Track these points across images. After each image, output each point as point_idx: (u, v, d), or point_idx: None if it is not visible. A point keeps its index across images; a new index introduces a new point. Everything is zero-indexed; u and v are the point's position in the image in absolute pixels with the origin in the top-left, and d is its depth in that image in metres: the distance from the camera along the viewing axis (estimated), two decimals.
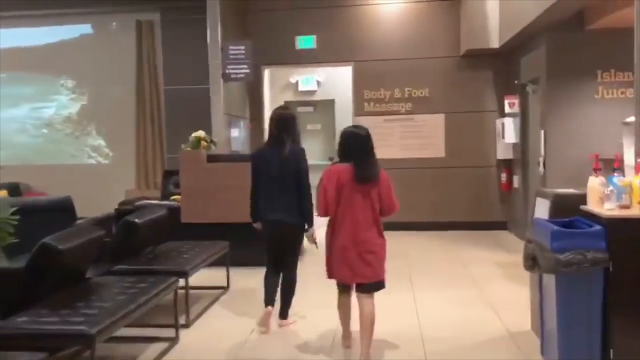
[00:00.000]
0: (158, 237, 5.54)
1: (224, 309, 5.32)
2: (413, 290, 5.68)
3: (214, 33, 7.91)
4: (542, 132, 6.97)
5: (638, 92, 4.14)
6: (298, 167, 4.37)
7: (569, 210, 3.77)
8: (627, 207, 3.42)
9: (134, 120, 10.18)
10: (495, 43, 8.40)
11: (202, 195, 6.82)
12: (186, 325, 4.70)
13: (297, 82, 10.79)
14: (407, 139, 9.25)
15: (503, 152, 8.72)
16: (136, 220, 4.90)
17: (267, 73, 10.09)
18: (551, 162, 6.86)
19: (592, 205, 3.59)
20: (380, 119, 9.24)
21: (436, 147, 9.22)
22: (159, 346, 4.25)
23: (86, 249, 3.95)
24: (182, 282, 4.63)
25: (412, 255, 7.35)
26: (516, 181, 8.41)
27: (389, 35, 9.24)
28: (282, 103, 10.80)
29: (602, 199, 3.51)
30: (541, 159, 7.00)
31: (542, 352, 3.85)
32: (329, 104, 10.84)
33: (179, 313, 4.51)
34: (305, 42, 9.28)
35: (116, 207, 7.76)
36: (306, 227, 4.46)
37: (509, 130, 8.29)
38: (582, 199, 3.74)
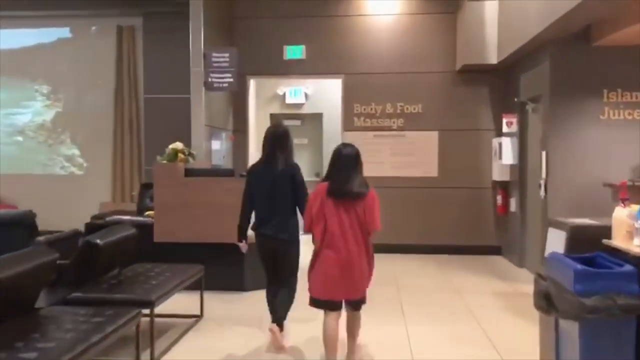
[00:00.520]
0: (125, 259, 5.01)
1: (197, 341, 4.77)
2: (406, 324, 5.17)
3: (197, 38, 7.43)
4: (544, 153, 6.55)
5: None
6: (294, 182, 4.38)
7: (588, 244, 3.31)
8: None
9: (111, 130, 9.68)
10: (493, 59, 8.00)
11: (178, 213, 6.29)
12: None
13: (284, 94, 10.31)
14: (398, 156, 8.80)
15: (499, 173, 8.30)
16: (98, 241, 4.37)
17: (252, 84, 9.61)
18: (553, 186, 6.44)
19: (618, 240, 3.14)
20: (370, 134, 8.79)
21: (429, 166, 8.78)
22: None
23: (33, 276, 3.40)
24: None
25: (403, 282, 6.85)
26: (513, 204, 7.98)
27: (381, 48, 8.82)
28: (267, 115, 10.38)
29: (630, 233, 3.05)
30: (542, 182, 6.57)
31: None
32: (317, 118, 10.37)
33: (142, 347, 3.97)
34: (294, 52, 8.82)
35: (88, 220, 7.28)
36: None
37: (507, 151, 7.87)
38: (604, 231, 3.28)
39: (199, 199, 6.26)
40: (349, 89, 8.88)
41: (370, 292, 4.03)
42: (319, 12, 8.86)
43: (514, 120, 7.86)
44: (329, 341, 3.80)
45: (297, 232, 4.47)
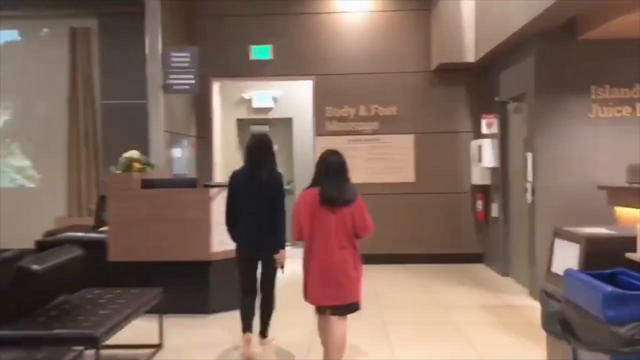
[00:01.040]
0: (70, 285, 4.38)
1: None
2: (391, 347, 4.65)
3: (154, 36, 6.85)
4: (529, 155, 6.15)
5: None
6: (275, 191, 4.43)
7: (607, 258, 2.84)
8: None
9: (65, 139, 8.98)
10: (470, 57, 7.61)
11: (135, 228, 5.68)
12: None
13: (251, 97, 9.75)
14: (373, 161, 8.33)
15: (479, 177, 7.89)
16: (34, 266, 3.76)
17: (217, 87, 9.02)
18: (541, 190, 6.03)
19: None
20: (343, 139, 8.30)
21: (405, 171, 8.33)
22: None
23: None
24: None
25: (383, 297, 6.35)
26: (495, 210, 7.56)
27: (353, 47, 8.35)
28: (234, 121, 9.82)
29: None
30: (529, 186, 6.16)
31: None
32: (286, 123, 9.84)
33: None
34: (260, 52, 8.29)
35: (40, 238, 6.63)
36: (277, 250, 4.41)
37: (487, 153, 7.47)
38: (625, 243, 2.82)
39: (158, 213, 5.67)
40: (320, 91, 8.38)
41: None
42: (287, 9, 8.35)
43: (494, 120, 7.46)
44: (323, 342, 3.85)
45: (283, 238, 4.46)
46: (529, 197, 6.18)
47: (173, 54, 6.79)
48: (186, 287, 5.69)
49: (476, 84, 8.17)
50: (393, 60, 8.30)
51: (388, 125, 8.32)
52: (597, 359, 2.53)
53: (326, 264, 3.71)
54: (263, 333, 4.64)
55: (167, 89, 6.85)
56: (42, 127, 9.10)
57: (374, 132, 8.34)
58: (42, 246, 6.02)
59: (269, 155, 4.51)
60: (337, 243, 3.72)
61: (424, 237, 8.26)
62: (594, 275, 2.66)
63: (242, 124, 10.04)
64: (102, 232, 6.16)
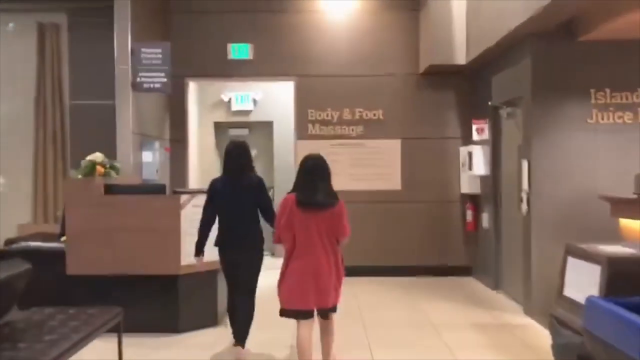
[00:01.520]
0: (14, 304, 3.86)
1: None
2: None
3: (123, 30, 6.38)
4: (525, 163, 5.75)
5: None
6: (260, 194, 4.47)
7: (633, 282, 2.41)
8: None
9: (31, 141, 8.39)
10: (461, 59, 7.22)
11: (96, 239, 5.17)
12: None
13: (229, 99, 9.27)
14: (358, 167, 7.89)
15: (468, 186, 7.49)
16: None
17: (193, 87, 8.54)
18: (537, 200, 5.63)
19: None
20: (326, 143, 7.84)
21: (391, 178, 7.90)
22: None
23: None
24: None
25: (367, 315, 5.89)
26: (485, 220, 7.16)
27: (338, 48, 7.92)
28: (211, 124, 9.34)
29: None
30: (524, 195, 5.76)
31: None
32: (267, 127, 9.38)
33: None
34: (239, 51, 7.82)
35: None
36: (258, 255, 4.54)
37: (478, 160, 7.07)
38: None
39: (122, 222, 5.16)
40: (302, 93, 7.93)
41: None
42: (268, 6, 7.91)
43: (485, 126, 7.08)
44: (304, 351, 3.75)
45: (261, 244, 4.53)
46: (524, 207, 5.78)
47: (143, 49, 6.30)
48: (153, 304, 5.20)
49: (466, 87, 7.79)
50: (379, 62, 7.89)
51: (373, 130, 7.90)
52: None
53: (312, 268, 3.71)
54: (240, 342, 4.47)
55: (136, 87, 6.36)
56: (6, 128, 8.50)
57: (359, 137, 7.91)
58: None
59: (247, 161, 4.53)
60: (322, 247, 3.73)
61: (410, 248, 7.84)
62: (621, 304, 2.24)
63: (220, 127, 9.55)
64: (63, 242, 5.64)
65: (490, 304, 6.30)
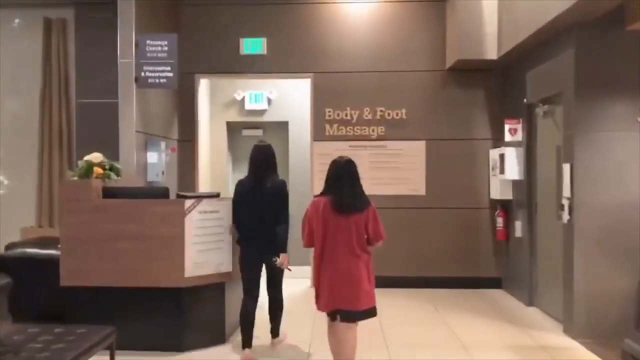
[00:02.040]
0: None
1: None
2: None
3: (127, 21, 5.93)
4: (567, 166, 5.18)
5: None
6: (278, 197, 4.58)
7: None
8: None
9: (37, 141, 8.03)
10: (492, 53, 6.66)
11: (93, 247, 4.71)
12: None
13: (243, 98, 8.79)
14: (378, 171, 7.36)
15: (499, 191, 6.92)
16: None
17: (204, 85, 8.08)
18: (580, 208, 5.06)
19: None
20: (344, 145, 7.33)
21: (414, 182, 7.35)
22: None
23: None
24: None
25: (390, 331, 5.36)
26: (518, 228, 6.58)
27: (358, 42, 7.40)
28: (223, 123, 8.87)
29: None
30: (566, 203, 5.18)
31: None
32: (282, 127, 8.88)
33: None
34: (253, 46, 7.34)
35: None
36: (277, 255, 4.55)
37: (511, 164, 6.50)
38: None
39: (121, 229, 4.69)
40: (320, 90, 7.42)
41: None
42: None
43: (519, 126, 6.50)
44: (333, 351, 3.87)
45: (286, 240, 4.57)
46: (565, 215, 5.21)
47: (148, 42, 5.83)
48: (154, 319, 4.73)
49: (497, 84, 7.23)
50: (402, 57, 7.35)
51: (395, 131, 7.35)
52: None
53: (341, 271, 3.72)
54: (273, 333, 4.88)
55: (141, 82, 5.89)
56: (11, 127, 8.13)
57: (380, 138, 7.37)
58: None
59: (271, 165, 4.66)
60: (352, 251, 3.73)
61: (435, 258, 7.28)
62: None
63: (232, 127, 9.07)
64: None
65: (525, 321, 5.73)
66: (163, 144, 6.40)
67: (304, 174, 7.59)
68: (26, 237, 7.05)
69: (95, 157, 5.14)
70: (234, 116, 8.93)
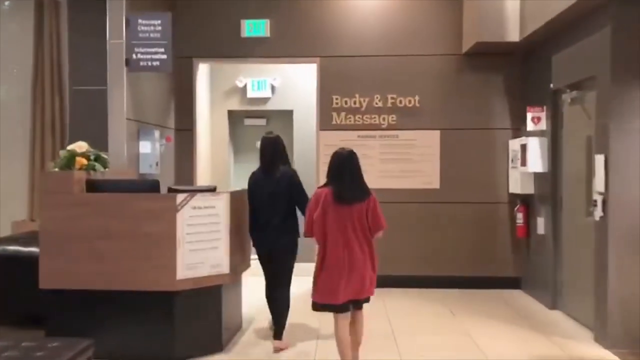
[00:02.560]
0: None
1: None
2: None
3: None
4: (600, 158, 4.67)
5: None
6: (291, 186, 4.58)
7: None
8: None
9: (28, 131, 7.61)
10: (513, 35, 6.13)
11: (75, 246, 4.25)
12: None
13: (245, 85, 8.30)
14: (389, 162, 6.87)
15: (520, 185, 6.42)
16: None
17: (204, 71, 7.60)
18: (616, 203, 4.56)
19: None
20: (353, 134, 6.85)
21: (428, 175, 6.86)
22: None
23: None
24: None
25: (402, 338, 4.90)
26: (540, 225, 6.09)
27: (367, 23, 6.89)
28: (224, 111, 8.42)
29: None
30: (599, 198, 4.68)
31: None
32: (286, 116, 8.40)
33: None
34: (255, 28, 6.85)
35: None
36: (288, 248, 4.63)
37: (533, 155, 5.99)
38: None
39: (106, 226, 4.23)
40: (326, 76, 6.92)
41: None
42: None
43: (543, 114, 6.00)
44: (342, 343, 3.83)
45: (296, 237, 4.60)
46: (597, 212, 4.70)
47: (140, 21, 5.34)
48: (143, 326, 4.28)
49: (519, 69, 6.71)
50: (416, 40, 6.84)
51: (408, 119, 6.85)
52: None
53: (348, 261, 3.74)
54: (277, 334, 4.64)
55: (132, 65, 5.42)
56: (2, 116, 7.74)
57: (391, 127, 6.87)
58: None
59: (280, 154, 4.68)
60: (357, 240, 3.77)
61: (449, 256, 6.80)
62: None
63: (234, 116, 8.60)
64: None
65: (550, 328, 5.24)
66: (157, 133, 5.93)
67: (309, 165, 7.10)
68: (17, 232, 6.65)
69: (80, 146, 4.68)
70: (236, 104, 8.45)
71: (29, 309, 4.55)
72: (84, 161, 4.49)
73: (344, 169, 3.85)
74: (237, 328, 5.06)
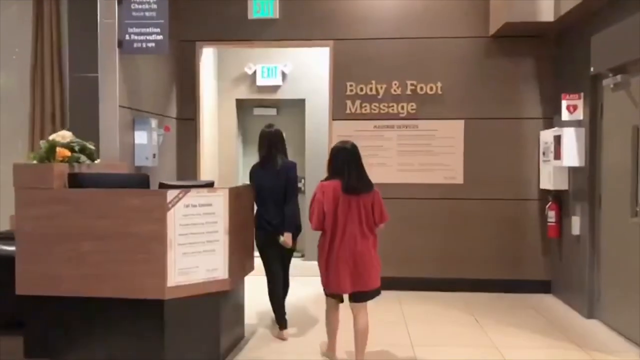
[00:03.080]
0: None
1: None
2: None
3: None
4: None
5: None
6: (287, 179, 4.66)
7: None
8: None
9: (27, 121, 7.22)
10: (547, 14, 5.54)
11: (56, 248, 3.77)
12: None
13: (254, 72, 7.80)
14: (408, 155, 6.33)
15: (552, 180, 5.84)
16: None
17: (209, 57, 7.12)
18: None
19: None
20: (369, 124, 6.33)
21: (451, 169, 6.30)
22: None
23: None
24: None
25: (423, 351, 4.39)
26: (576, 225, 5.51)
27: (384, 3, 6.34)
28: (232, 100, 7.95)
29: None
30: None
31: None
32: (298, 105, 7.89)
33: None
34: (263, 9, 6.33)
35: None
36: (284, 233, 4.63)
37: (569, 148, 5.41)
38: None
39: (89, 225, 3.74)
40: (340, 61, 6.38)
41: None
42: None
43: (580, 102, 5.40)
44: (333, 327, 4.05)
45: (292, 225, 4.65)
46: None
47: None
48: (130, 339, 3.79)
49: (552, 52, 6.11)
50: (438, 22, 6.27)
51: (429, 108, 6.30)
52: None
53: (353, 252, 3.84)
54: (282, 324, 4.74)
55: (125, 46, 4.95)
56: (1, 102, 7.36)
57: (410, 117, 6.32)
58: None
59: (280, 147, 4.76)
60: (361, 232, 3.86)
61: (472, 257, 6.26)
62: None
63: (243, 105, 8.10)
64: None
65: (586, 339, 4.69)
66: (154, 122, 5.44)
67: (322, 158, 6.55)
68: (14, 227, 6.25)
69: (63, 135, 4.22)
70: (245, 93, 7.96)
71: (8, 314, 4.12)
72: (67, 152, 4.02)
73: (350, 162, 3.91)
74: (239, 338, 4.58)
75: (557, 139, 5.55)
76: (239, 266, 4.27)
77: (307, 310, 5.43)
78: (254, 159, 4.88)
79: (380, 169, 6.26)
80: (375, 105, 6.35)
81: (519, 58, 6.19)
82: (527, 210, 6.23)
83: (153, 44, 4.85)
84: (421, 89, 6.28)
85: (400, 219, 6.22)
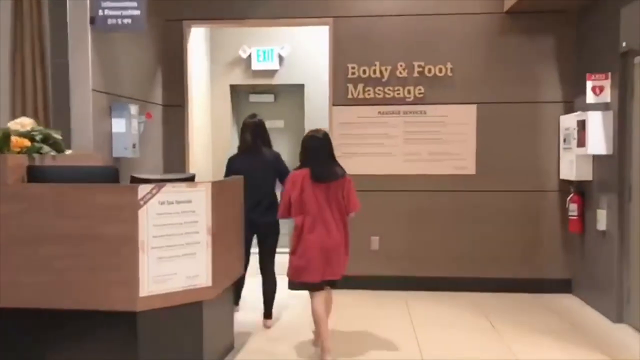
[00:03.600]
0: None
1: None
2: None
3: None
4: None
5: None
6: (279, 169, 4.68)
7: None
8: None
9: (7, 108, 6.73)
10: None
11: (12, 252, 3.27)
12: None
13: (249, 56, 7.26)
14: (415, 143, 5.81)
15: (574, 170, 5.31)
16: None
17: (201, 39, 6.59)
18: None
19: None
20: (372, 110, 5.81)
21: (462, 158, 5.78)
22: None
23: None
24: None
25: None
26: (602, 219, 4.99)
27: None
28: (226, 86, 7.42)
29: None
30: None
31: None
32: (297, 91, 7.36)
33: None
34: None
35: None
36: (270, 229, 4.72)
37: (595, 134, 4.88)
38: None
39: (50, 226, 3.25)
40: (341, 41, 5.84)
41: None
42: None
43: (607, 83, 4.86)
44: (319, 319, 3.92)
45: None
46: None
47: None
48: (98, 355, 3.30)
49: (574, 30, 5.56)
50: None
51: (438, 92, 5.77)
52: None
53: (324, 241, 3.86)
54: (267, 314, 4.74)
55: (98, 23, 4.43)
56: None
57: (417, 102, 5.79)
58: None
59: (264, 137, 4.74)
60: (334, 220, 3.90)
61: (487, 254, 5.75)
62: None
63: (237, 91, 7.58)
64: None
65: (616, 347, 4.19)
66: (134, 109, 4.91)
67: None
68: None
69: (23, 123, 3.73)
70: (239, 78, 7.43)
71: None
72: (26, 142, 3.52)
73: (319, 150, 3.94)
74: (227, 350, 4.09)
75: (581, 124, 5.01)
76: (225, 271, 3.77)
77: (301, 317, 4.96)
78: None
79: (386, 158, 5.76)
80: (379, 89, 5.81)
81: (537, 35, 5.63)
82: (546, 203, 5.70)
83: (129, 20, 4.33)
84: (429, 70, 5.74)
85: (406, 213, 5.73)
